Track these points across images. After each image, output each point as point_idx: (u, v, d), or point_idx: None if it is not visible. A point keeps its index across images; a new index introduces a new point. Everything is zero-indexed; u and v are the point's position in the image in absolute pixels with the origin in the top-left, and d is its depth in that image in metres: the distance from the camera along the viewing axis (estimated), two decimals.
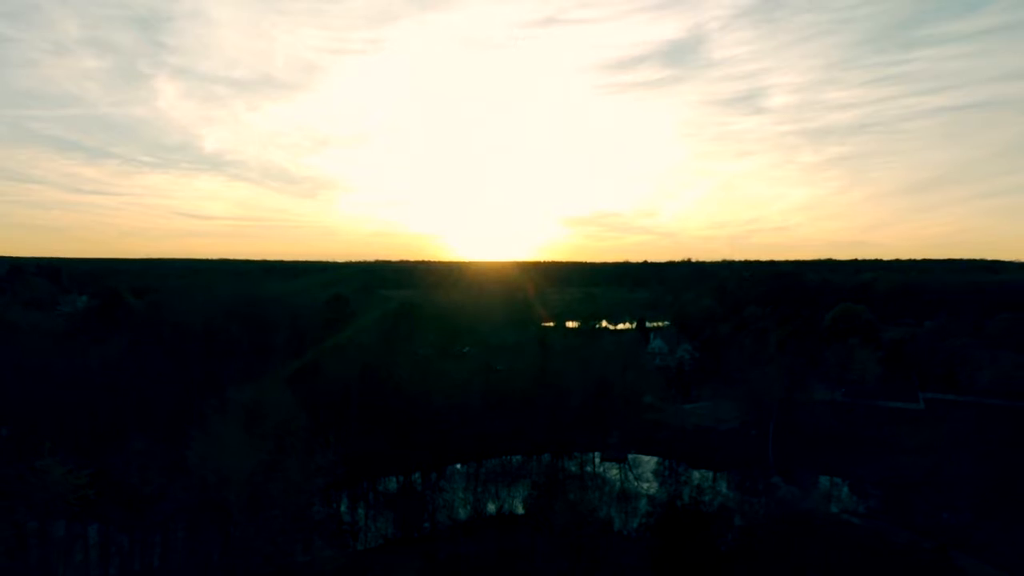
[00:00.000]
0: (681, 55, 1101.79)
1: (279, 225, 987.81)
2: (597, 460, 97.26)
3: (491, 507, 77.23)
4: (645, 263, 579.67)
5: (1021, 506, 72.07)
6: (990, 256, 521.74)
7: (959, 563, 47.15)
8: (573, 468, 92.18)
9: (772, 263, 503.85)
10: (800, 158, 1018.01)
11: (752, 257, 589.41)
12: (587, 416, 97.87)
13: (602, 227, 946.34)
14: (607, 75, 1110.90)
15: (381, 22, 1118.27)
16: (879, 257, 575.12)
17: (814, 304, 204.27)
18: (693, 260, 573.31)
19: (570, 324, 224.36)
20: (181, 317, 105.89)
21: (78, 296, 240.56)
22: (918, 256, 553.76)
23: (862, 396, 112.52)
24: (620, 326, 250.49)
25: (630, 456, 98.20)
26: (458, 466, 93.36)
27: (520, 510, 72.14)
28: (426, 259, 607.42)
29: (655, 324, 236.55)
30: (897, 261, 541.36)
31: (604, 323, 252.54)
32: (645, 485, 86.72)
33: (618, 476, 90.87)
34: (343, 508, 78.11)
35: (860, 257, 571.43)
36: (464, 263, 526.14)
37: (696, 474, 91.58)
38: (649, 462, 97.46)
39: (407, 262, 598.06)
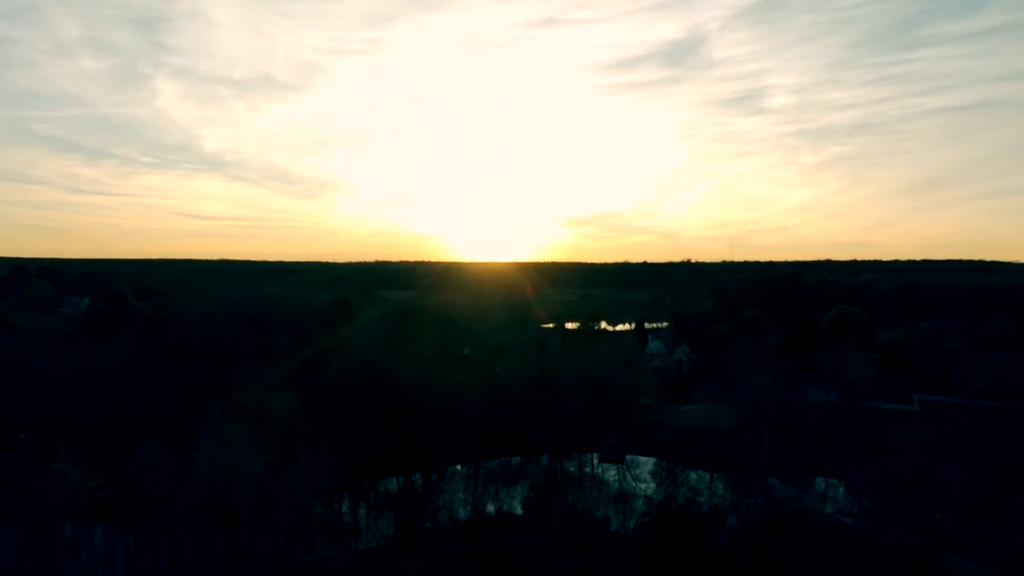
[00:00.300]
0: (681, 55, 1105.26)
1: (279, 225, 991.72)
2: (595, 461, 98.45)
3: (491, 507, 78.43)
4: (644, 264, 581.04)
5: (1012, 505, 73.50)
6: (989, 257, 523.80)
7: (944, 561, 48.47)
8: (572, 469, 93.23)
9: (771, 264, 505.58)
10: (800, 158, 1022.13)
11: (751, 258, 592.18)
12: (585, 417, 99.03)
13: (602, 227, 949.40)
14: (607, 75, 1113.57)
15: (380, 22, 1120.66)
16: (878, 258, 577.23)
17: (812, 306, 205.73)
18: (693, 261, 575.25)
19: (569, 325, 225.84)
20: (184, 320, 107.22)
21: (80, 298, 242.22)
22: (918, 257, 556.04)
23: (857, 398, 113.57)
24: (619, 327, 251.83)
25: (628, 457, 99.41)
26: (458, 467, 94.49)
27: (519, 510, 73.16)
28: (426, 260, 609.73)
29: (654, 325, 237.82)
30: (896, 262, 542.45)
31: (603, 324, 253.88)
32: (642, 486, 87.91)
33: (616, 477, 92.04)
34: (345, 508, 79.30)
35: (859, 258, 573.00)
36: (464, 263, 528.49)
37: (693, 475, 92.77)
38: (647, 463, 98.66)
39: (407, 263, 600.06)
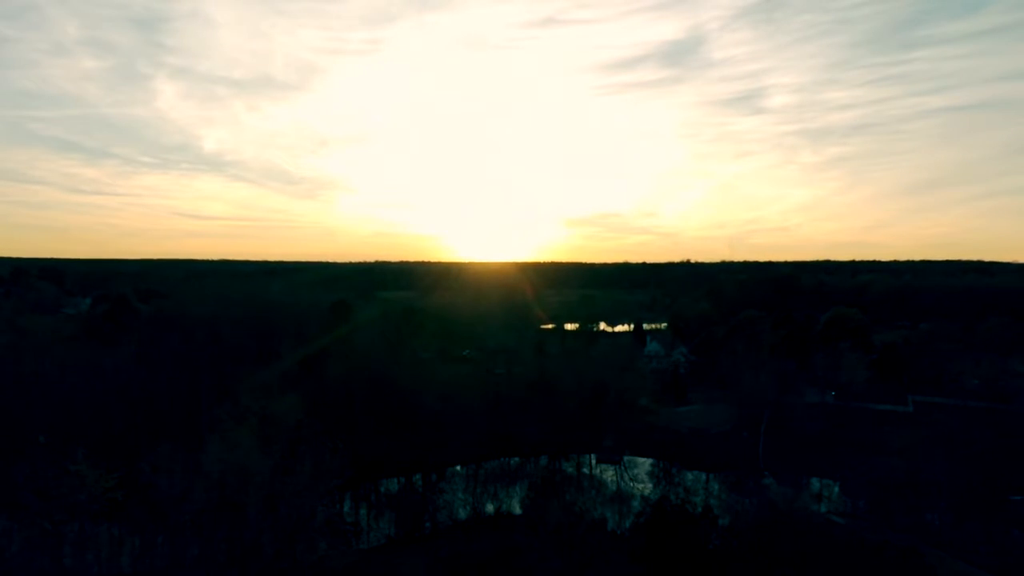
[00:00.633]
0: (681, 55, 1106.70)
1: (279, 225, 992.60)
2: (593, 461, 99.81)
3: (490, 507, 79.90)
4: (644, 264, 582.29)
5: (1001, 506, 74.78)
6: (988, 257, 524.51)
7: (929, 560, 49.86)
8: (570, 469, 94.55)
9: (771, 264, 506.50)
10: (800, 158, 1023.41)
11: (751, 258, 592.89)
12: (584, 419, 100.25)
13: (601, 227, 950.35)
14: (607, 75, 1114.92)
15: (380, 22, 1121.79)
16: (878, 258, 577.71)
17: (810, 307, 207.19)
18: (692, 261, 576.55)
19: (569, 326, 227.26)
20: (188, 322, 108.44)
21: (82, 299, 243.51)
22: (917, 257, 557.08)
23: (852, 399, 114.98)
24: (618, 328, 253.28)
25: (625, 458, 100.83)
26: (458, 468, 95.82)
27: (518, 510, 74.54)
28: (426, 260, 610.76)
29: (652, 326, 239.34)
30: (896, 262, 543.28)
31: (602, 325, 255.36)
32: (639, 486, 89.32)
33: (613, 477, 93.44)
34: (347, 508, 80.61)
35: (859, 258, 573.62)
36: (464, 264, 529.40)
37: (689, 475, 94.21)
38: (644, 463, 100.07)
39: (407, 263, 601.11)
